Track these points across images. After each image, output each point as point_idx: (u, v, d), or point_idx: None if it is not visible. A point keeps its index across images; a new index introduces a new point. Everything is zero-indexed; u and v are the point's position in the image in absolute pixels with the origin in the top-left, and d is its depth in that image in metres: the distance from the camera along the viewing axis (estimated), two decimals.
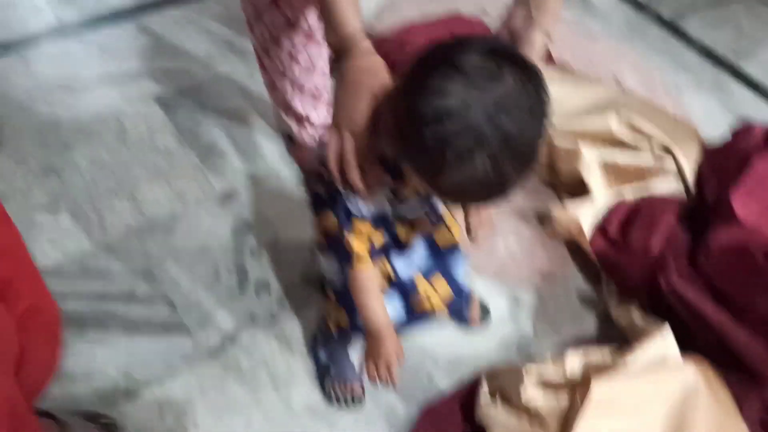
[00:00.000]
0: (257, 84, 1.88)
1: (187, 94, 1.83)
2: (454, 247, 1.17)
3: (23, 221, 1.53)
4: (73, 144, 1.69)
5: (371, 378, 1.10)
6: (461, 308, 1.33)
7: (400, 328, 1.16)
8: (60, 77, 1.84)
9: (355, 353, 1.35)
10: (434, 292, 1.17)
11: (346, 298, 1.12)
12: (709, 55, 2.17)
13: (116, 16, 2.03)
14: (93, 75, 1.86)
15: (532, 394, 1.19)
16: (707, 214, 1.51)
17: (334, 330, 1.25)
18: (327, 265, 1.13)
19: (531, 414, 1.19)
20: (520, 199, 1.69)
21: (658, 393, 1.18)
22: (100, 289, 1.45)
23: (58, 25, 1.99)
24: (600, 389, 1.13)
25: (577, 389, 1.18)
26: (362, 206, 0.98)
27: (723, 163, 1.57)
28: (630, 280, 1.47)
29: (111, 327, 1.40)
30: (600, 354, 1.26)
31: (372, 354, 1.09)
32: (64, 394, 1.29)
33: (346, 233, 1.00)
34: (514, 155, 0.77)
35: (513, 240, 1.62)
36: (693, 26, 2.27)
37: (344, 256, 1.03)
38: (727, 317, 1.33)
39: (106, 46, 1.93)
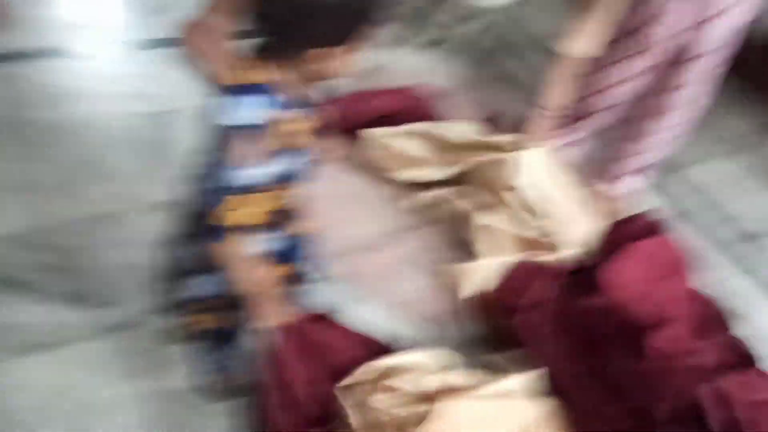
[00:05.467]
0: None
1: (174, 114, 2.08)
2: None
3: None
4: (56, 142, 1.95)
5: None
6: None
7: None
8: (67, 88, 2.12)
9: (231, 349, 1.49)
10: None
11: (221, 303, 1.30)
12: None
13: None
14: (100, 91, 2.14)
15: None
16: (583, 282, 1.65)
17: (200, 330, 1.38)
18: (207, 282, 1.30)
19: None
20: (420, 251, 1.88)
21: (498, 419, 1.28)
22: (38, 259, 1.66)
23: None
24: (443, 406, 1.23)
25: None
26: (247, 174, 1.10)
27: (607, 242, 1.72)
28: (504, 331, 1.61)
29: (34, 291, 1.60)
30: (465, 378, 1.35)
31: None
32: None
33: (217, 210, 1.10)
34: None
35: (407, 286, 1.78)
36: None
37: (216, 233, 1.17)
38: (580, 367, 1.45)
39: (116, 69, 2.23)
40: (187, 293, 1.31)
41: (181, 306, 1.35)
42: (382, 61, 2.45)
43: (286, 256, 1.36)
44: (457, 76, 2.47)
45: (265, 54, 1.07)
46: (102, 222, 1.77)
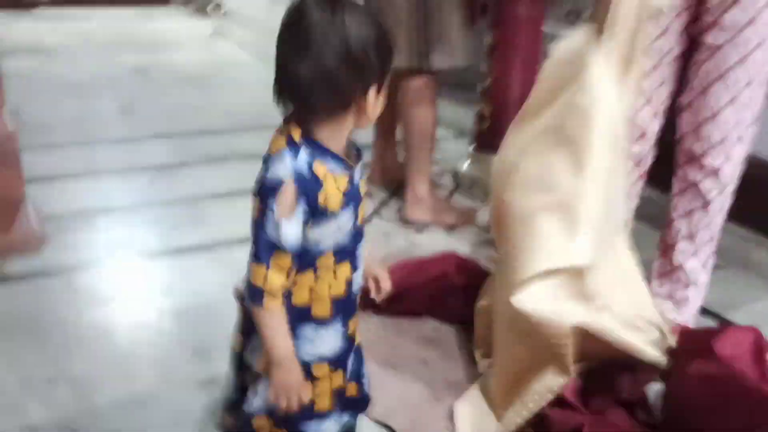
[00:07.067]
0: None
1: (201, 312, 2.07)
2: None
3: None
4: (89, 341, 1.93)
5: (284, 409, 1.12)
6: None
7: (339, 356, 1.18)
8: (97, 295, 2.15)
9: None
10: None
11: (288, 419, 1.16)
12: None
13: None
14: (124, 295, 2.18)
15: None
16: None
17: None
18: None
19: None
20: None
21: None
22: None
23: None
24: None
25: None
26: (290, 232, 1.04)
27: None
28: None
29: None
30: None
31: (283, 386, 1.10)
32: None
33: (266, 270, 1.03)
34: None
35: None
36: None
37: (256, 296, 1.06)
38: None
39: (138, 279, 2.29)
40: (255, 405, 1.16)
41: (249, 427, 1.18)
42: (413, 240, 2.54)
43: (342, 361, 1.19)
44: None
45: (295, 117, 1.08)
46: (142, 404, 1.68)
